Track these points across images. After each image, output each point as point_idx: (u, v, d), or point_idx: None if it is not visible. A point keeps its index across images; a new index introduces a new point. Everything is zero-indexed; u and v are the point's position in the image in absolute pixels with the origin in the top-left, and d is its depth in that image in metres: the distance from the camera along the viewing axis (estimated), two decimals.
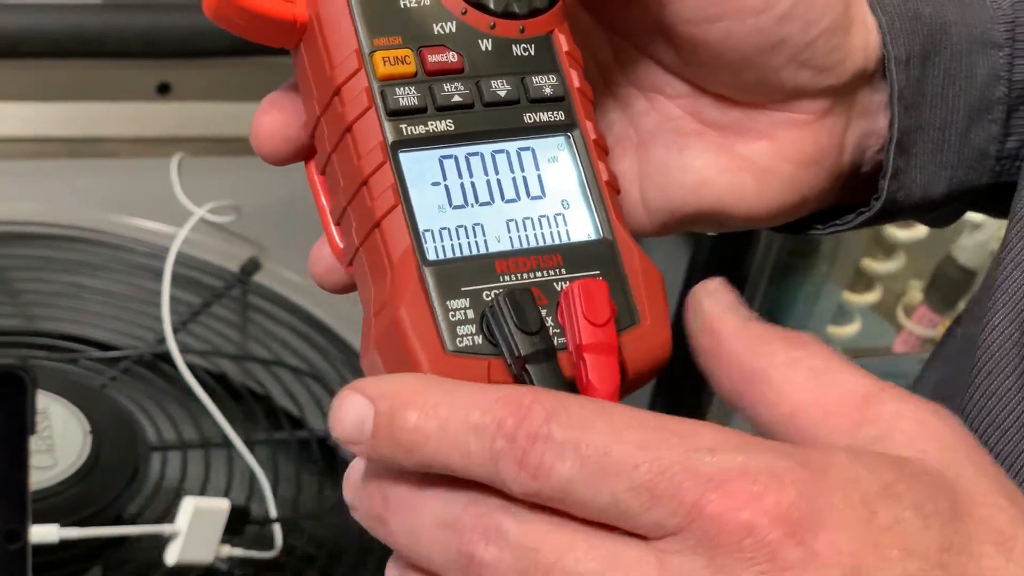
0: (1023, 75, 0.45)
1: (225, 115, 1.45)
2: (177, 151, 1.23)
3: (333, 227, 0.40)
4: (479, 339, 0.35)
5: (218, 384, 1.02)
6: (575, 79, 0.40)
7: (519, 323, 0.34)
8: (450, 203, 0.37)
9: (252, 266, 1.14)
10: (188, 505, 0.83)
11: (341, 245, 0.39)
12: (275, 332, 1.10)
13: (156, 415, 0.99)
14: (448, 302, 0.35)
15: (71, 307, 1.08)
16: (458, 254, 0.36)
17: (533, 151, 0.39)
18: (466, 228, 0.37)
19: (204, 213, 1.12)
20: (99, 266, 1.11)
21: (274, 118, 0.40)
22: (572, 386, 0.34)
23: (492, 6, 0.39)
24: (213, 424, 0.97)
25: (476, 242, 0.37)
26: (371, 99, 0.37)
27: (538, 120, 0.39)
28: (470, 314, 0.35)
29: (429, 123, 0.38)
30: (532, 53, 0.39)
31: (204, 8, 0.38)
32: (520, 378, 0.34)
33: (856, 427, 0.31)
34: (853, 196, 0.45)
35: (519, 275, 0.37)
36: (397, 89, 0.38)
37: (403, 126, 0.37)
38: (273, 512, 0.92)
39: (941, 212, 0.47)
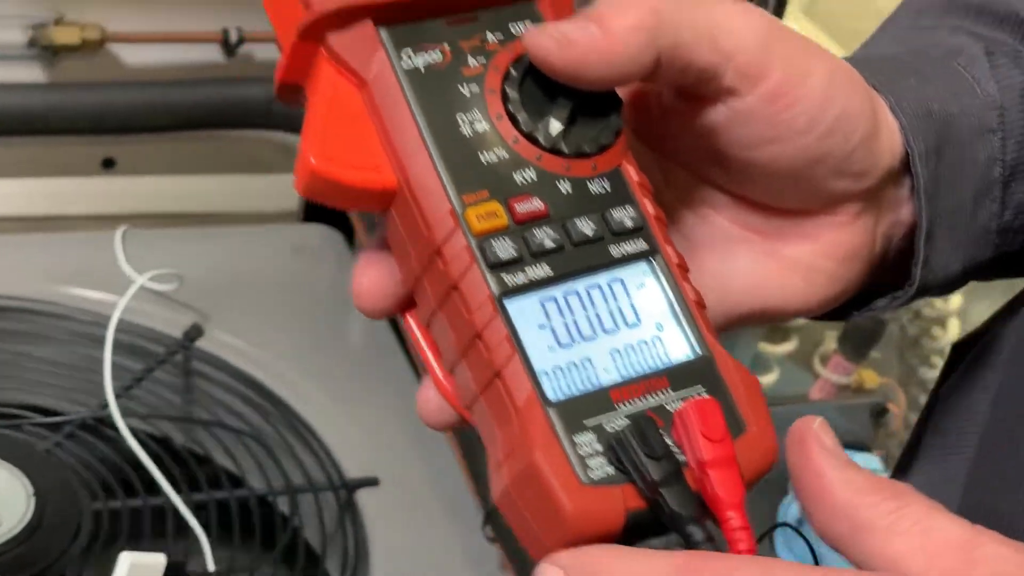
0: (1014, 154, 0.48)
1: (169, 188, 1.49)
2: (122, 223, 1.27)
3: (439, 372, 0.41)
4: (610, 469, 0.36)
5: (159, 446, 1.05)
6: (649, 207, 0.41)
7: (646, 450, 0.36)
8: (558, 343, 0.38)
9: (195, 332, 1.17)
10: (124, 561, 0.86)
11: (453, 390, 0.40)
12: (216, 395, 1.14)
13: (99, 477, 1.02)
14: (575, 438, 0.37)
15: (16, 376, 1.12)
16: (575, 391, 0.38)
17: (622, 281, 0.40)
18: (576, 364, 0.39)
19: (145, 281, 1.16)
20: (44, 335, 1.15)
21: (372, 277, 0.41)
22: (700, 500, 0.36)
23: (565, 149, 0.40)
24: (154, 484, 1.01)
25: (588, 376, 0.38)
26: (472, 256, 0.38)
27: (623, 252, 0.40)
28: (597, 446, 0.37)
29: (527, 270, 0.39)
30: (607, 188, 0.41)
31: (296, 184, 0.39)
32: (654, 501, 0.36)
33: (963, 569, 0.33)
34: (880, 279, 0.49)
35: (633, 402, 0.38)
36: (494, 243, 0.38)
37: (505, 277, 0.38)
38: (211, 567, 0.95)
39: (952, 287, 0.51)
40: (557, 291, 0.39)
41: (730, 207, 0.46)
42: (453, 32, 0.41)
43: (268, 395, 1.15)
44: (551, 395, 0.37)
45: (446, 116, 0.39)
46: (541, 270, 0.39)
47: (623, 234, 0.40)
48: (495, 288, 0.38)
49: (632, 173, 0.41)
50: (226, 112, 1.38)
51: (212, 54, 1.42)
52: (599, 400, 0.37)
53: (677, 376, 0.39)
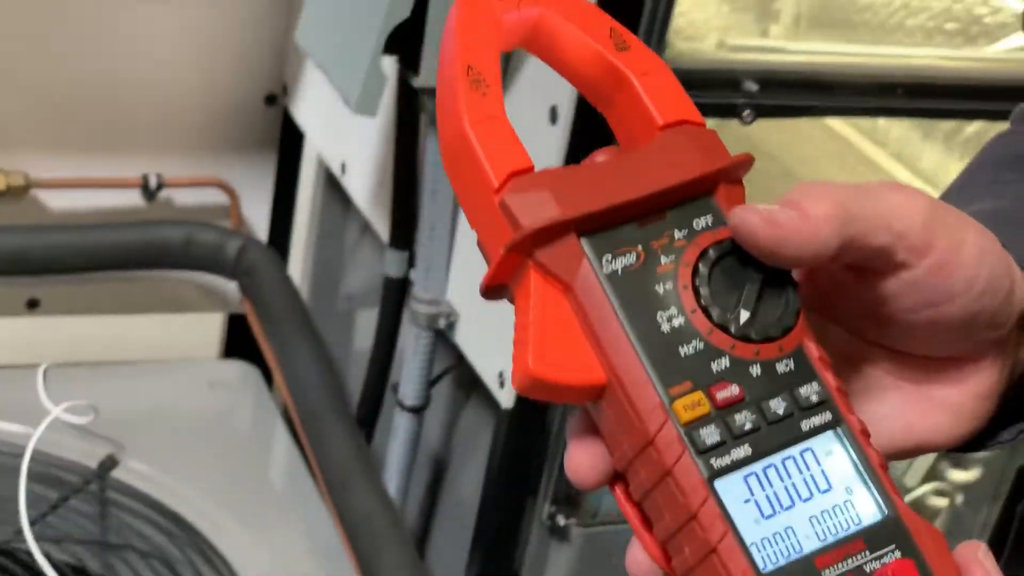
0: None
1: (90, 327, 1.56)
2: (43, 360, 1.33)
3: (649, 539, 0.45)
4: None
5: (73, 572, 1.10)
6: (831, 379, 0.44)
7: None
8: (762, 515, 0.42)
9: (110, 463, 1.23)
10: None
11: (665, 558, 0.44)
12: (130, 524, 1.20)
13: None
14: None
15: None
16: (783, 560, 0.41)
17: (812, 450, 0.43)
18: (781, 534, 0.42)
19: (61, 413, 1.22)
20: None
21: (583, 458, 0.45)
22: None
23: (754, 336, 0.43)
24: None
25: (793, 545, 0.42)
26: (682, 445, 0.42)
27: (812, 425, 0.43)
28: None
29: (731, 452, 0.42)
30: (793, 367, 0.44)
31: (513, 384, 0.43)
32: None
33: None
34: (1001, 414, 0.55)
35: (836, 567, 0.42)
36: (701, 431, 0.42)
37: (712, 461, 0.42)
38: None
39: None
40: (757, 467, 0.42)
41: (885, 359, 0.51)
42: (644, 233, 0.44)
43: (181, 523, 1.21)
44: (762, 566, 0.41)
45: (646, 314, 0.43)
46: (743, 451, 0.42)
47: (810, 408, 0.44)
48: (705, 472, 0.41)
49: (813, 349, 0.45)
50: (146, 253, 1.46)
51: (133, 199, 1.51)
52: (806, 567, 0.41)
53: (871, 538, 0.42)
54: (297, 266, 1.83)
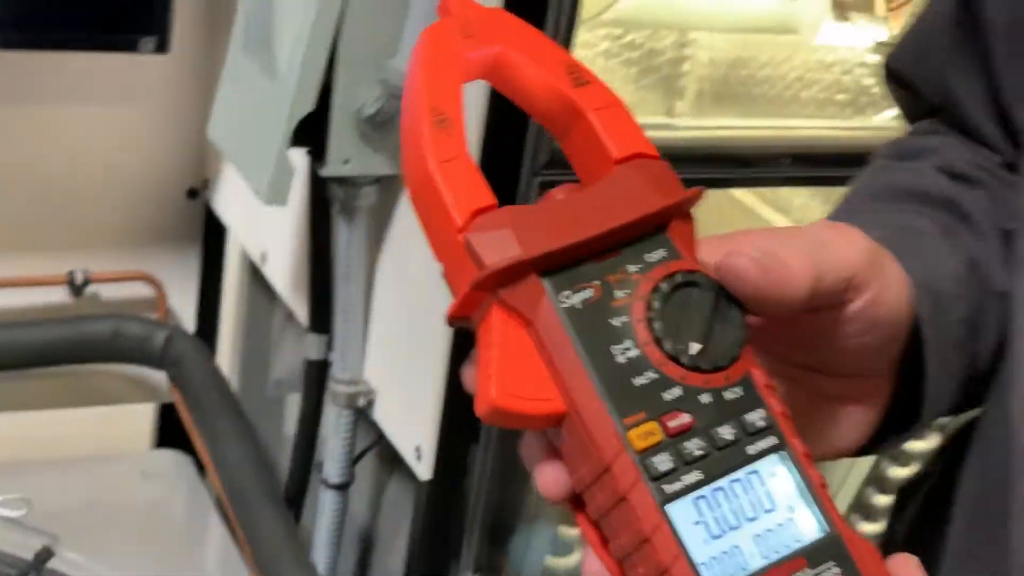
0: (971, 314, 0.61)
1: (22, 423, 1.58)
2: None
3: (606, 558, 0.47)
4: None
5: None
6: (776, 406, 0.46)
7: None
8: (711, 536, 0.43)
9: (45, 554, 1.26)
10: None
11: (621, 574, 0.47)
12: None
13: None
14: None
15: None
16: None
17: (758, 473, 0.45)
18: (728, 553, 0.44)
19: None
20: None
21: (548, 476, 0.48)
22: None
23: (704, 366, 0.45)
24: None
25: (740, 563, 0.44)
26: (637, 472, 0.43)
27: (758, 449, 0.45)
28: None
29: (682, 477, 0.44)
30: (740, 394, 0.46)
31: (477, 412, 0.45)
32: None
33: None
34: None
35: None
36: (654, 458, 0.44)
37: (665, 487, 0.43)
38: None
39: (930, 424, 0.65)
40: (707, 490, 0.44)
41: (805, 378, 0.56)
42: (601, 268, 0.46)
43: None
44: None
45: (603, 347, 0.45)
46: (693, 476, 0.44)
47: (756, 433, 0.45)
48: (658, 498, 0.43)
49: (759, 376, 0.47)
50: (75, 348, 1.50)
51: (60, 295, 1.55)
52: None
53: (812, 555, 0.44)
54: (225, 354, 1.85)
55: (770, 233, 0.52)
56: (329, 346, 1.39)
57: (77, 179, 1.63)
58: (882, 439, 0.59)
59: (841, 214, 0.70)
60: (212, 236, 1.82)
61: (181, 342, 1.61)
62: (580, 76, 0.50)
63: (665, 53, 1.71)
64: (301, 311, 1.49)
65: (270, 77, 1.26)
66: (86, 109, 1.66)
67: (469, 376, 0.47)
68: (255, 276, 1.76)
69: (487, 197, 0.46)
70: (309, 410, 1.44)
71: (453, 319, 0.46)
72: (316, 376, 1.42)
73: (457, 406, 1.25)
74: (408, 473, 1.31)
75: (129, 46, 1.74)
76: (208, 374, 1.61)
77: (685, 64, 1.71)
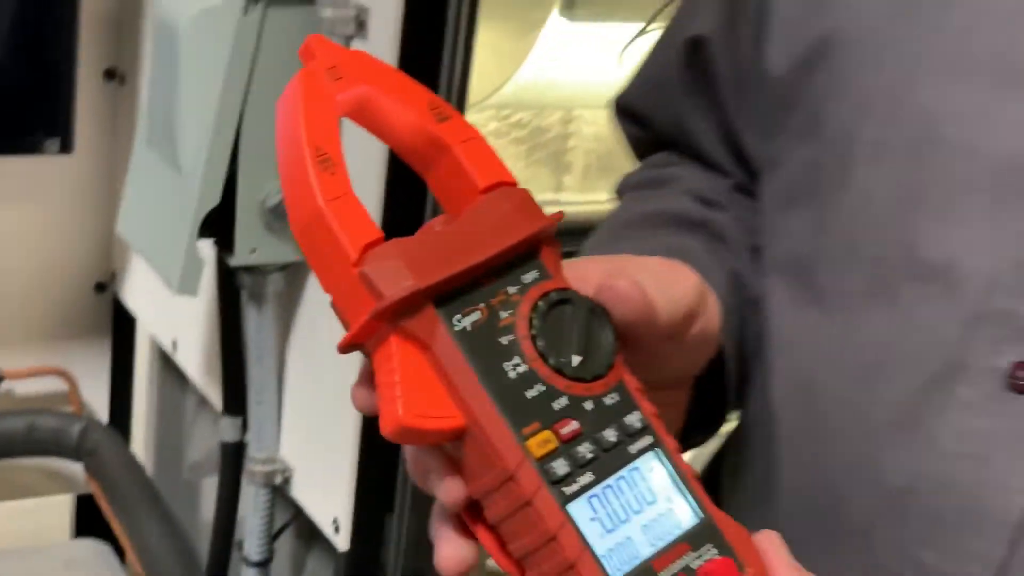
0: (735, 327, 0.69)
1: None
2: None
3: (503, 558, 0.50)
4: None
5: None
6: (648, 407, 0.51)
7: None
8: (606, 529, 0.47)
9: None
10: None
11: (522, 573, 0.49)
12: None
13: None
14: None
15: None
16: (628, 567, 0.47)
17: (639, 470, 0.49)
18: (622, 544, 0.48)
19: None
20: None
21: (448, 486, 0.51)
22: None
23: (585, 376, 0.49)
24: None
25: (633, 552, 0.48)
26: (539, 477, 0.47)
27: (638, 448, 0.49)
28: None
29: (578, 479, 0.48)
30: (618, 399, 0.50)
31: (384, 432, 0.47)
32: None
33: None
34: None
35: (670, 568, 0.48)
36: (552, 464, 0.47)
37: (564, 489, 0.47)
38: None
39: None
40: (599, 489, 0.48)
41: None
42: (485, 292, 0.49)
43: None
44: (614, 574, 0.47)
45: (495, 364, 0.48)
46: (587, 477, 0.48)
47: (635, 434, 0.50)
48: (560, 499, 0.47)
49: (630, 380, 0.51)
50: None
51: None
52: (647, 570, 0.48)
53: (692, 539, 0.49)
54: (139, 442, 1.87)
55: (623, 262, 0.58)
56: (244, 427, 1.43)
57: None
58: (686, 439, 0.66)
59: (603, 244, 0.75)
60: (121, 327, 1.85)
61: (96, 433, 1.64)
62: (442, 112, 0.52)
63: (551, 130, 1.79)
64: (214, 395, 1.52)
65: (176, 171, 1.32)
66: None
67: (360, 396, 0.50)
68: (166, 364, 1.79)
69: (375, 232, 0.48)
70: (227, 491, 1.48)
71: (347, 347, 0.48)
72: (233, 457, 1.46)
73: (372, 477, 1.29)
74: (327, 546, 1.36)
75: (34, 148, 1.79)
76: (124, 463, 1.64)
77: (571, 140, 1.78)
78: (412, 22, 1.29)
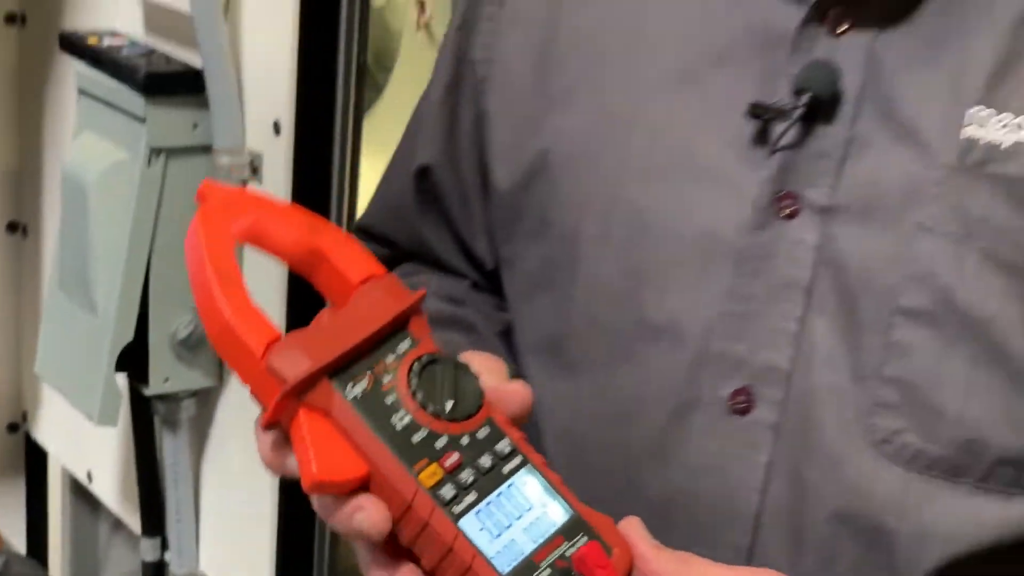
0: None
1: None
2: None
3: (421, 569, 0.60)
4: None
5: None
6: (514, 433, 0.60)
7: None
8: (494, 536, 0.57)
9: None
10: None
11: None
12: None
13: None
14: None
15: None
16: (515, 562, 0.57)
17: (515, 484, 0.59)
18: (508, 545, 0.57)
19: None
20: None
21: (366, 515, 0.60)
22: None
23: (459, 417, 0.58)
24: None
25: (518, 550, 0.57)
26: (432, 502, 0.56)
27: (511, 467, 0.59)
28: None
29: (464, 499, 0.57)
30: (489, 431, 0.59)
31: (305, 489, 0.57)
32: None
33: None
34: None
35: (548, 557, 0.58)
36: (441, 490, 0.57)
37: (454, 509, 0.57)
38: None
39: None
40: (482, 505, 0.58)
41: None
42: (368, 362, 0.59)
43: None
44: (503, 570, 0.57)
45: (385, 420, 0.58)
46: (471, 496, 0.58)
47: (506, 457, 0.59)
48: (451, 517, 0.56)
49: (499, 416, 0.60)
50: None
51: None
52: (528, 563, 0.57)
53: (566, 532, 0.59)
54: (57, 569, 1.95)
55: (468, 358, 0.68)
56: (163, 547, 1.51)
57: None
58: None
59: None
60: (34, 462, 1.91)
61: (16, 565, 1.70)
62: (316, 225, 0.62)
63: None
64: (131, 519, 1.60)
65: (90, 312, 1.41)
66: None
67: (274, 465, 0.60)
68: (78, 493, 1.86)
69: (273, 331, 0.57)
70: None
71: (268, 425, 0.58)
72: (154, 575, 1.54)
73: (291, 572, 1.38)
74: None
75: None
76: None
77: None
78: (301, 163, 1.42)
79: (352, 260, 0.63)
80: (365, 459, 0.58)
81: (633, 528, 0.64)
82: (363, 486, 0.58)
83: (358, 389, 0.59)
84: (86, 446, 1.76)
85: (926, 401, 0.81)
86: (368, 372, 0.59)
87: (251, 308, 0.59)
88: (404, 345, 0.61)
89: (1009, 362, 0.81)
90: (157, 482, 1.52)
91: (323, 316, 0.62)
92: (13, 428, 1.92)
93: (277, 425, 0.59)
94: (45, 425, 1.87)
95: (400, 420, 0.59)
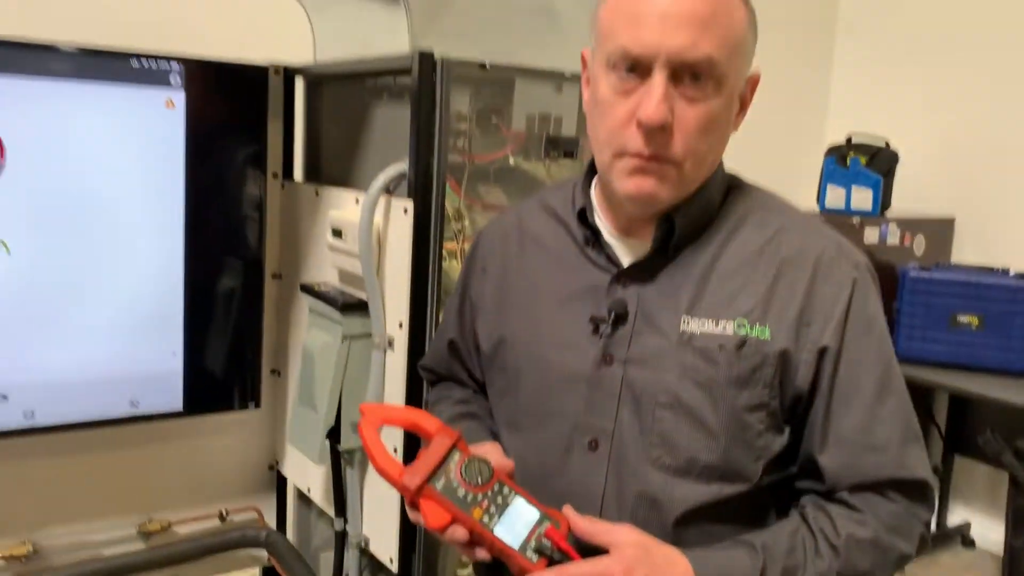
0: None
1: None
2: None
3: (483, 552, 1.22)
4: (536, 555, 1.23)
5: None
6: (509, 483, 1.13)
7: (548, 550, 1.23)
8: (509, 532, 1.14)
9: None
10: None
11: (487, 550, 1.20)
12: None
13: None
14: (527, 552, 1.21)
15: None
16: (519, 542, 1.16)
17: (512, 505, 1.16)
18: (515, 535, 1.13)
19: None
20: None
21: (458, 533, 1.20)
22: (566, 555, 1.22)
23: (483, 482, 1.11)
24: None
25: (520, 536, 1.14)
26: (480, 525, 1.14)
27: (509, 497, 1.16)
28: (534, 552, 1.21)
29: (493, 520, 1.12)
30: (497, 484, 1.16)
31: (429, 528, 1.15)
32: (556, 558, 1.24)
33: (639, 539, 1.27)
34: None
35: (534, 535, 1.15)
36: (482, 519, 1.11)
37: (490, 525, 1.14)
38: None
39: None
40: (500, 520, 1.16)
41: None
42: (443, 469, 1.19)
43: None
44: (515, 547, 1.17)
45: (454, 493, 1.17)
46: (496, 519, 1.16)
47: (507, 494, 1.13)
48: (489, 529, 1.17)
49: (504, 477, 1.15)
50: None
51: None
52: (525, 542, 1.16)
53: (538, 522, 1.19)
54: (291, 536, 2.84)
55: (488, 448, 1.34)
56: (345, 522, 2.51)
57: None
58: None
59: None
60: (281, 483, 2.76)
61: (272, 536, 2.63)
62: (411, 411, 1.23)
63: None
64: (329, 509, 2.53)
65: (313, 411, 2.32)
66: None
67: (416, 519, 1.19)
68: (302, 498, 2.77)
69: (401, 466, 1.15)
70: (338, 558, 2.47)
71: (411, 506, 1.15)
72: (341, 539, 2.47)
73: (408, 537, 2.21)
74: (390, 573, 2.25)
75: (238, 406, 2.70)
76: (289, 548, 2.64)
77: None
78: (413, 342, 2.16)
79: (429, 423, 1.20)
80: (449, 512, 1.13)
81: (568, 511, 1.16)
82: (453, 523, 1.14)
83: (440, 483, 1.16)
84: (307, 474, 2.67)
85: (671, 443, 1.33)
86: (444, 474, 1.15)
87: (390, 456, 1.14)
88: (456, 457, 1.17)
89: (705, 424, 1.33)
90: (342, 489, 2.45)
91: (421, 452, 1.17)
92: (271, 467, 2.89)
93: (415, 507, 1.16)
94: (287, 465, 2.82)
95: (460, 491, 1.11)
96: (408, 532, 2.33)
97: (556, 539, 1.27)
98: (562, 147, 2.46)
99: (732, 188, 1.48)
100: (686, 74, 1.33)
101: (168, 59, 2.51)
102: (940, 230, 5.27)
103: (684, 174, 1.36)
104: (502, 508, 1.27)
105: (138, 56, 2.48)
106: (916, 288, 4.63)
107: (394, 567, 2.30)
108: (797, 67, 5.46)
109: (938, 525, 5.26)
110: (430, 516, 1.28)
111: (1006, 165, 5.16)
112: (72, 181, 2.44)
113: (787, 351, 1.36)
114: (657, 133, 1.33)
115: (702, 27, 1.32)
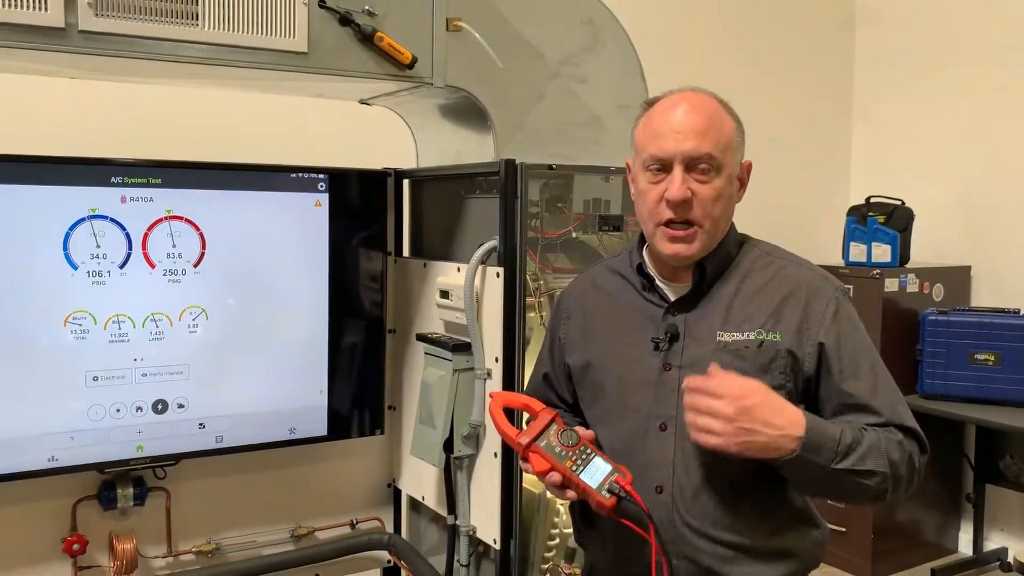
0: None
1: None
2: None
3: (571, 493, 2.00)
4: (608, 493, 1.97)
5: None
6: (590, 444, 1.93)
7: (613, 487, 1.97)
8: (591, 478, 1.89)
9: None
10: None
11: (578, 493, 1.96)
12: None
13: None
14: (603, 492, 1.97)
15: None
16: (598, 483, 1.90)
17: (592, 459, 1.91)
18: (595, 479, 1.88)
19: None
20: None
21: (556, 479, 1.94)
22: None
23: (573, 444, 1.97)
24: None
25: (599, 480, 1.87)
26: (571, 472, 1.89)
27: (590, 454, 1.93)
28: (606, 492, 1.95)
29: (580, 468, 1.89)
30: (583, 447, 1.97)
31: (535, 474, 1.96)
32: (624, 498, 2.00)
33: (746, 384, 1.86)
34: None
35: (607, 479, 1.90)
36: (572, 468, 1.89)
37: (578, 472, 1.88)
38: None
39: None
40: (585, 467, 1.92)
41: None
42: (546, 434, 1.96)
43: None
44: (595, 486, 1.93)
45: (553, 450, 1.94)
46: (581, 467, 1.93)
47: (588, 452, 1.91)
48: (576, 474, 1.92)
49: (589, 444, 1.94)
50: None
51: None
52: (601, 484, 1.91)
53: (612, 472, 1.93)
54: (406, 536, 3.43)
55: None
56: (456, 518, 3.21)
57: None
58: None
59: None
60: (396, 496, 3.39)
61: (394, 538, 3.32)
62: (524, 397, 2.05)
63: None
64: (441, 509, 3.20)
65: (432, 428, 2.96)
66: None
67: (527, 468, 1.96)
68: (414, 506, 3.37)
69: (516, 430, 1.95)
70: (449, 546, 3.15)
71: (523, 459, 1.96)
72: (452, 531, 3.18)
73: (507, 514, 2.93)
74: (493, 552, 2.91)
75: (368, 432, 3.28)
76: (409, 549, 3.28)
77: None
78: (506, 373, 2.81)
79: (536, 405, 1.99)
80: (549, 462, 1.89)
81: (714, 368, 1.77)
82: (551, 470, 1.89)
83: (544, 442, 1.94)
84: (421, 485, 3.26)
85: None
86: (546, 437, 1.93)
87: (510, 424, 1.94)
88: (554, 427, 1.95)
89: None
90: (452, 490, 3.07)
91: (531, 423, 1.93)
92: (389, 485, 3.46)
93: (525, 459, 1.93)
94: (403, 480, 3.41)
95: (557, 449, 1.90)
96: (507, 519, 2.92)
97: (623, 484, 1.94)
98: (611, 223, 3.18)
99: (743, 242, 2.14)
100: (696, 166, 1.98)
101: (317, 171, 3.25)
102: (957, 277, 5.63)
103: (706, 233, 1.97)
104: (586, 462, 1.93)
105: (296, 170, 3.21)
106: (936, 331, 5.01)
107: (496, 546, 2.94)
108: (821, 135, 6.04)
109: (975, 551, 5.55)
110: (535, 464, 1.97)
111: (1018, 214, 5.53)
112: (249, 263, 3.14)
113: (793, 349, 1.98)
114: (680, 205, 1.97)
115: (703, 135, 1.97)
